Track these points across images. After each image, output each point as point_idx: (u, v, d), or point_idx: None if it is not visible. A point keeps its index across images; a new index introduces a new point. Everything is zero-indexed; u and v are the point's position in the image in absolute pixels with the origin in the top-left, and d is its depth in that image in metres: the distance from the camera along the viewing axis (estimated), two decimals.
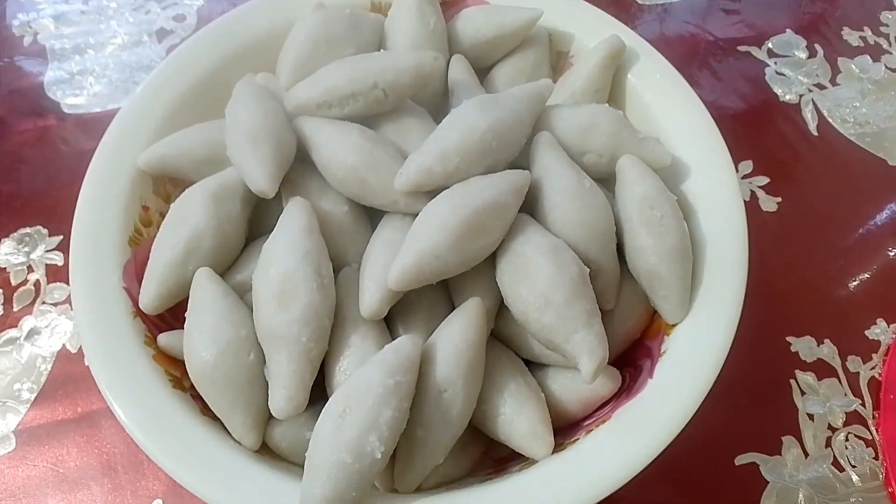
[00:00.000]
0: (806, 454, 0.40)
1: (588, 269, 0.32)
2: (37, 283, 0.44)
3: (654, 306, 0.35)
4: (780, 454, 0.40)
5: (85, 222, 0.35)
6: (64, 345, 0.42)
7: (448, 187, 0.32)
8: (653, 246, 0.33)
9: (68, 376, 0.41)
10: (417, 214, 0.33)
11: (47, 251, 0.45)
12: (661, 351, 0.33)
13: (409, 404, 0.29)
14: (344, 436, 0.27)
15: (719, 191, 0.36)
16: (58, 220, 0.46)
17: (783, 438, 0.41)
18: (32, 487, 0.38)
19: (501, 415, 0.32)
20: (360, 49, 0.38)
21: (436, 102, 0.40)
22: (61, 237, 0.46)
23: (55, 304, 0.44)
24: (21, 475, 0.38)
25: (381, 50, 0.40)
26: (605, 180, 0.37)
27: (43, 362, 0.42)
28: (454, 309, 0.34)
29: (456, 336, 0.31)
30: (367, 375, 0.28)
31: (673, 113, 0.39)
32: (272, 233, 0.33)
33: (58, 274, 0.45)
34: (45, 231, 0.46)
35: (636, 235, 0.34)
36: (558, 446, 0.31)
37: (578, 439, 0.32)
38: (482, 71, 0.42)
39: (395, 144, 0.35)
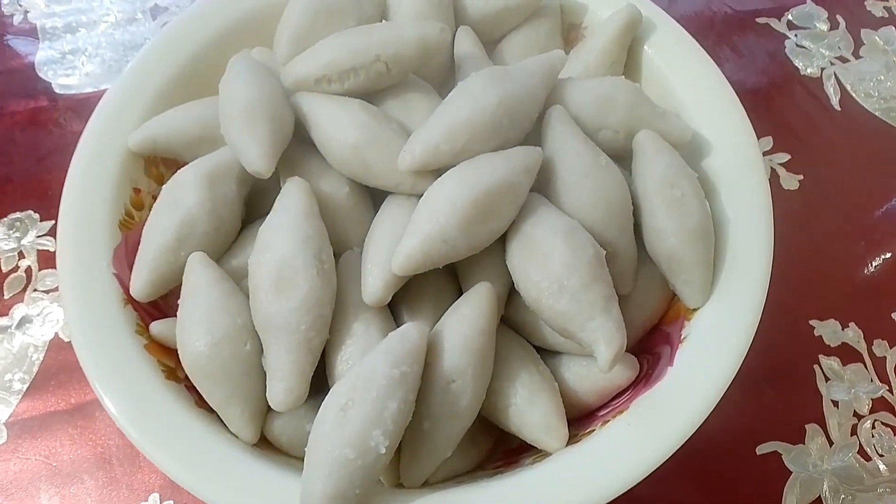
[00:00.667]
0: (831, 443, 0.39)
1: (605, 252, 0.30)
2: (28, 270, 0.43)
3: (673, 290, 0.33)
4: (804, 443, 0.39)
5: (72, 206, 0.33)
6: (56, 333, 0.41)
7: (455, 166, 0.30)
8: (673, 227, 0.31)
9: (61, 366, 0.40)
10: (422, 195, 0.32)
11: (38, 236, 0.44)
12: (682, 337, 0.32)
13: (415, 396, 0.27)
14: (346, 430, 0.25)
15: (742, 167, 0.34)
16: (49, 204, 0.45)
17: (807, 427, 0.39)
18: (24, 481, 0.37)
19: (513, 405, 0.30)
20: (362, 21, 0.36)
21: (441, 77, 0.38)
22: (53, 222, 0.44)
23: (47, 292, 0.42)
24: (13, 469, 0.37)
25: (384, 21, 0.38)
26: (622, 157, 0.35)
27: (35, 351, 0.40)
28: (462, 294, 0.32)
29: (465, 323, 0.29)
30: (371, 366, 0.27)
31: (693, 86, 0.37)
32: (269, 215, 0.31)
33: (50, 260, 0.43)
34: (36, 216, 0.44)
35: (655, 216, 0.32)
36: (572, 438, 0.30)
37: (594, 431, 0.30)
38: (490, 43, 0.40)
39: (398, 121, 0.33)
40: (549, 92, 0.34)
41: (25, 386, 0.39)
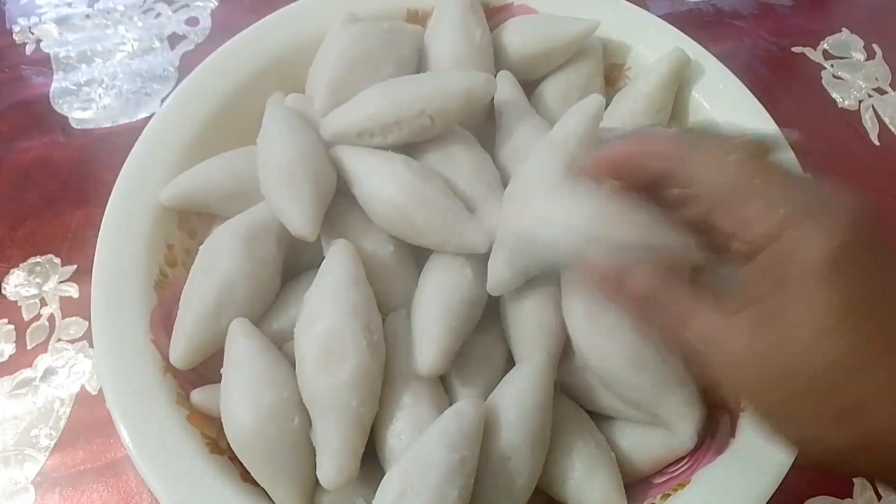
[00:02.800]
0: (879, 497, 0.38)
1: None
2: (51, 318, 0.41)
3: None
4: (852, 497, 0.38)
5: (106, 270, 0.32)
6: (83, 385, 0.40)
7: None
8: None
9: (89, 420, 0.39)
10: (468, 254, 0.31)
11: (60, 282, 0.42)
12: (742, 406, 0.31)
13: (474, 479, 0.26)
14: None
15: None
16: (70, 247, 0.43)
17: (855, 480, 0.38)
18: None
19: (570, 479, 0.29)
20: (399, 66, 0.35)
21: (481, 123, 0.36)
22: (75, 266, 0.42)
23: (72, 341, 0.41)
24: None
25: (421, 66, 0.37)
26: None
27: (61, 405, 0.39)
28: (510, 354, 0.32)
29: (521, 398, 0.28)
30: (428, 449, 0.26)
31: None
32: (315, 281, 0.30)
33: (73, 307, 0.42)
34: (57, 260, 0.43)
35: None
36: None
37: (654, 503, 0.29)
38: (530, 84, 0.39)
39: (442, 177, 0.32)
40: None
41: (53, 442, 0.38)
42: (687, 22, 0.52)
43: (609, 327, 0.28)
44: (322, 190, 0.31)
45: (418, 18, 0.39)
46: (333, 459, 0.27)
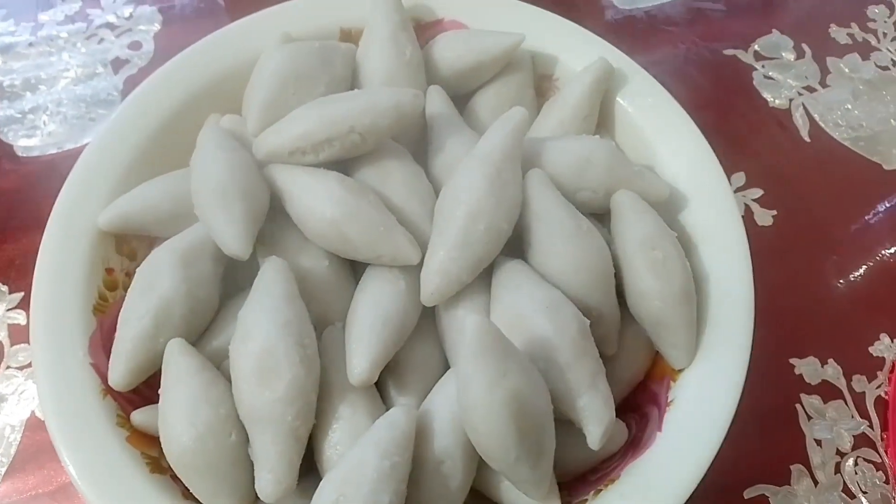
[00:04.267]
0: (816, 483, 0.39)
1: (588, 321, 0.30)
2: None
3: (658, 350, 0.33)
4: (790, 484, 0.39)
5: (44, 294, 0.32)
6: (33, 411, 0.40)
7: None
8: (657, 290, 0.31)
9: (40, 446, 0.39)
10: (401, 266, 0.31)
11: (8, 310, 0.42)
12: (669, 400, 0.32)
13: (406, 484, 0.27)
14: None
15: (720, 221, 0.34)
16: (17, 274, 0.43)
17: (792, 467, 0.39)
18: None
19: (504, 480, 0.30)
20: (333, 84, 0.36)
21: (414, 137, 0.37)
22: (23, 294, 0.43)
23: (20, 368, 0.41)
24: None
25: (355, 83, 0.38)
26: (600, 215, 0.35)
27: (12, 432, 0.39)
28: (447, 364, 0.32)
29: (452, 400, 0.29)
30: (361, 457, 0.27)
31: (666, 137, 0.37)
32: (248, 299, 0.30)
33: (22, 334, 0.42)
34: (4, 288, 0.43)
35: (638, 279, 0.32)
36: None
37: (587, 501, 0.30)
38: (462, 97, 0.40)
39: (375, 191, 0.33)
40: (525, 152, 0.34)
41: (4, 469, 0.38)
42: (622, 30, 0.54)
43: (523, 336, 0.29)
44: (255, 209, 0.31)
45: (351, 37, 0.40)
46: (271, 473, 0.28)
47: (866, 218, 0.48)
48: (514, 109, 0.33)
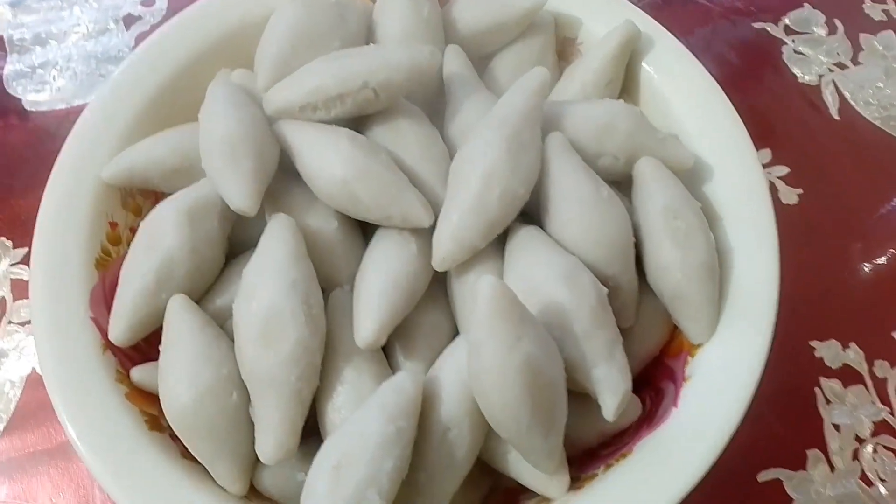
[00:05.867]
0: (832, 468, 0.38)
1: (606, 290, 0.29)
2: (2, 301, 0.41)
3: (677, 324, 0.32)
4: (806, 469, 0.38)
5: (45, 246, 0.31)
6: (34, 368, 0.39)
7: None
8: (678, 262, 0.30)
9: (40, 403, 0.38)
10: (413, 229, 0.30)
11: (12, 265, 0.42)
12: (686, 375, 0.31)
13: (411, 450, 0.26)
14: (341, 491, 0.25)
15: (746, 194, 0.33)
16: (22, 230, 0.43)
17: (808, 452, 0.38)
18: None
19: (512, 451, 0.29)
20: (347, 42, 0.35)
21: (431, 98, 0.36)
22: (27, 249, 0.42)
23: (23, 324, 0.40)
24: None
25: (370, 42, 0.36)
26: (622, 183, 0.34)
27: (11, 388, 0.39)
28: (456, 331, 0.31)
29: (462, 369, 0.28)
30: (365, 421, 0.26)
31: (693, 107, 0.36)
32: (253, 256, 0.29)
33: (25, 290, 0.41)
34: (8, 243, 0.42)
35: (659, 250, 0.31)
36: (574, 481, 0.29)
37: (597, 475, 0.29)
38: (482, 59, 0.38)
39: (387, 151, 0.32)
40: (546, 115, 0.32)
41: (3, 425, 0.38)
42: (654, 4, 0.52)
43: (540, 304, 0.28)
44: (263, 165, 0.30)
45: None
46: (272, 435, 0.27)
47: (894, 202, 0.46)
48: (535, 70, 0.32)
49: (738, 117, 0.34)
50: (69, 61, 0.48)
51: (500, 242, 0.31)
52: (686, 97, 0.36)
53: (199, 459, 0.29)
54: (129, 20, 0.50)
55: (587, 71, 0.36)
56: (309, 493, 0.25)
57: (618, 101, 0.33)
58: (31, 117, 0.47)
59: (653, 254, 0.31)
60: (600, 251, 0.30)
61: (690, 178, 0.33)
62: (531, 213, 0.32)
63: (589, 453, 0.32)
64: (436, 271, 0.31)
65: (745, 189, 0.33)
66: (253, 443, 0.28)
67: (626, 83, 0.37)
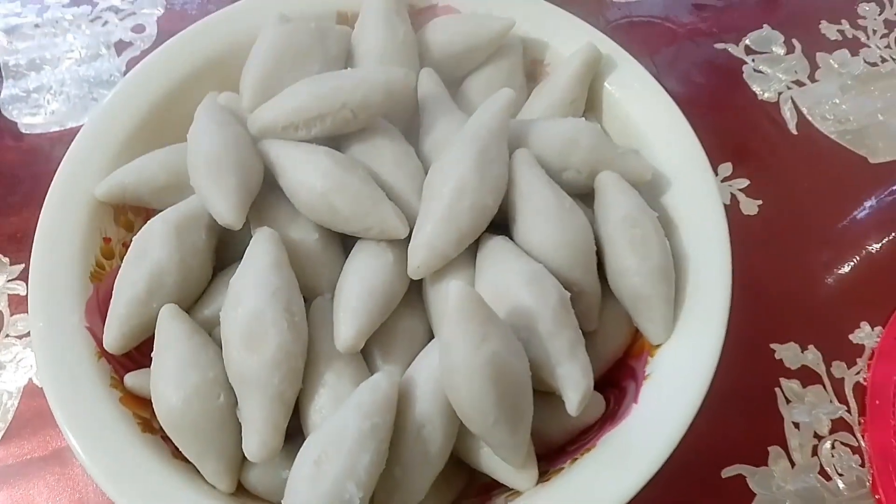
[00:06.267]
0: (793, 464, 0.40)
1: (569, 294, 0.31)
2: (0, 315, 0.43)
3: (637, 326, 0.34)
4: (767, 465, 0.40)
5: (42, 260, 0.33)
6: (31, 379, 0.41)
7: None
8: (636, 266, 0.32)
9: (36, 412, 0.40)
10: (390, 240, 0.32)
11: (9, 280, 0.44)
12: (646, 374, 0.33)
13: (388, 445, 0.28)
14: (321, 484, 0.26)
15: (700, 204, 0.35)
16: (18, 247, 0.44)
17: (769, 449, 0.40)
18: None
19: (484, 447, 0.31)
20: (327, 64, 0.37)
21: (406, 117, 0.38)
22: (23, 265, 0.44)
23: (19, 337, 0.42)
24: None
25: (349, 64, 0.39)
26: (585, 195, 0.36)
27: (9, 398, 0.40)
28: (432, 336, 0.33)
29: (435, 368, 0.30)
30: (343, 418, 0.27)
31: (652, 122, 0.38)
32: (238, 267, 0.31)
33: (21, 304, 0.43)
34: (5, 260, 0.44)
35: (618, 256, 0.33)
36: (542, 475, 0.31)
37: (564, 469, 0.31)
38: (454, 81, 0.41)
39: (365, 167, 0.34)
40: (513, 133, 0.35)
41: (0, 434, 0.39)
42: (617, 22, 0.55)
43: (505, 307, 0.30)
44: (248, 181, 0.32)
45: (348, 20, 0.41)
46: (257, 434, 0.29)
47: (855, 213, 0.49)
48: (502, 90, 0.34)
49: (693, 132, 0.37)
50: (63, 85, 0.50)
51: (471, 252, 0.33)
52: (645, 114, 0.38)
53: (189, 458, 0.30)
54: (121, 46, 0.52)
55: (552, 91, 0.38)
56: (291, 487, 0.27)
57: (580, 119, 0.36)
58: (27, 139, 0.48)
59: (613, 259, 0.33)
60: (563, 257, 0.32)
61: (649, 189, 0.36)
62: (501, 226, 0.34)
63: (557, 450, 0.33)
64: (412, 280, 0.32)
65: (699, 199, 0.35)
66: (240, 442, 0.29)
67: (589, 102, 0.40)
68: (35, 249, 0.33)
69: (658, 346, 0.33)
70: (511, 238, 0.33)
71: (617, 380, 0.35)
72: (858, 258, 0.46)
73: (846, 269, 0.46)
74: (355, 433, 0.27)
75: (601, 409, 0.33)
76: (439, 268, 0.32)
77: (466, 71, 0.41)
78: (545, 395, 0.33)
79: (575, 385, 0.29)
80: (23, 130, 0.49)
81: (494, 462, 0.30)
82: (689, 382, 0.31)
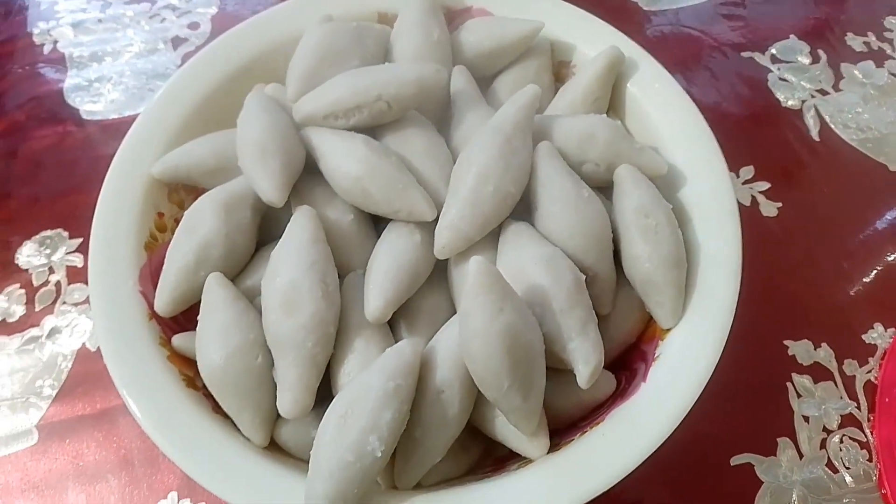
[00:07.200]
0: (801, 455, 0.41)
1: (584, 277, 0.33)
2: (58, 284, 0.46)
3: (649, 312, 0.36)
4: (775, 455, 0.41)
5: (102, 229, 0.36)
6: (84, 343, 0.44)
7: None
8: (648, 253, 0.34)
9: (87, 374, 0.43)
10: (418, 222, 0.35)
11: (67, 253, 0.47)
12: (655, 355, 0.34)
13: (409, 406, 0.30)
14: (346, 436, 0.28)
15: (714, 198, 0.37)
16: (77, 223, 0.48)
17: (778, 440, 0.41)
18: (53, 480, 0.40)
19: (499, 416, 0.33)
20: (365, 60, 0.40)
21: (439, 111, 0.41)
22: (81, 239, 0.47)
23: (75, 305, 0.45)
24: (43, 468, 0.40)
25: (387, 61, 0.41)
26: (605, 188, 0.38)
27: (64, 360, 0.44)
28: (454, 313, 0.35)
29: (455, 340, 0.32)
30: (369, 379, 0.30)
31: (671, 122, 0.40)
32: (280, 241, 0.34)
33: (78, 275, 0.46)
34: (65, 234, 0.48)
35: (632, 243, 0.35)
36: (554, 447, 0.33)
37: (573, 440, 0.33)
38: (486, 79, 0.43)
39: (398, 154, 0.36)
40: (538, 127, 0.37)
41: (55, 392, 0.43)
42: (646, 28, 0.57)
43: (523, 285, 0.32)
44: (291, 164, 0.35)
45: (388, 21, 0.44)
46: (290, 392, 0.31)
47: (873, 218, 0.50)
48: (528, 87, 0.36)
49: (710, 130, 0.38)
50: (122, 76, 0.54)
51: (494, 237, 0.35)
52: (665, 113, 0.40)
53: (227, 413, 0.33)
54: (177, 41, 0.56)
55: (576, 89, 0.40)
56: (319, 438, 0.29)
57: (600, 115, 0.38)
58: (87, 125, 0.52)
59: (627, 246, 0.35)
60: (579, 242, 0.34)
61: (666, 184, 0.38)
62: (525, 217, 0.36)
63: (570, 426, 0.35)
64: (438, 261, 0.35)
65: (713, 194, 0.37)
66: (275, 400, 0.32)
67: (613, 101, 0.42)
68: (96, 220, 0.36)
69: (668, 330, 0.35)
70: (532, 225, 0.35)
71: (629, 363, 0.37)
72: (875, 261, 0.48)
73: (862, 270, 0.47)
74: (379, 392, 0.29)
75: (612, 386, 0.34)
76: (463, 249, 0.34)
77: (497, 70, 0.43)
78: (559, 372, 0.35)
79: (585, 359, 0.31)
80: (84, 117, 0.53)
81: (508, 431, 0.32)
82: (696, 363, 0.33)
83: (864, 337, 0.45)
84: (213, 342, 0.32)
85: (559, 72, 0.44)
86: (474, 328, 0.29)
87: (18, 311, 0.45)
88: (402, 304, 0.34)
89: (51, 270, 0.47)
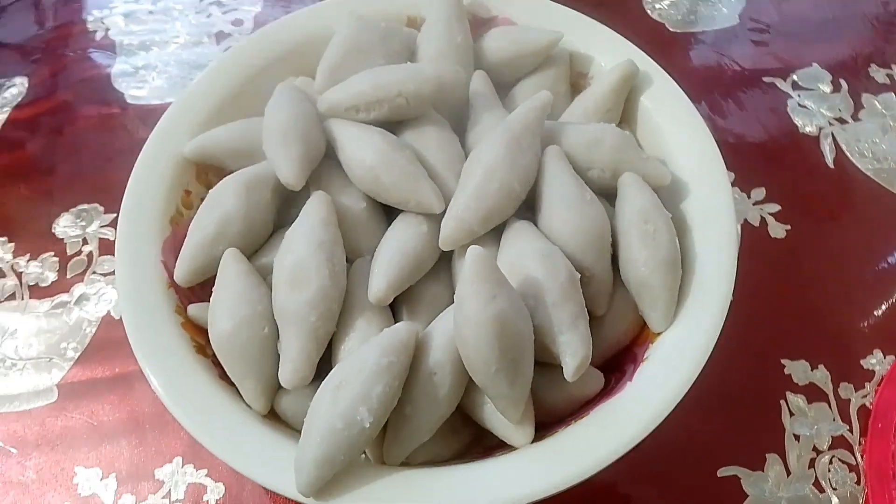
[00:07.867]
0: (788, 472, 0.41)
1: (580, 275, 0.34)
2: (90, 255, 0.49)
3: (641, 315, 0.37)
4: (763, 470, 0.41)
5: (132, 201, 0.39)
6: (109, 311, 0.47)
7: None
8: (645, 257, 0.35)
9: (109, 340, 0.46)
10: (427, 214, 0.36)
11: (101, 226, 0.50)
12: (645, 357, 0.36)
13: (401, 383, 0.31)
14: (337, 405, 0.30)
15: (714, 211, 0.38)
16: (113, 199, 0.50)
17: (767, 455, 0.42)
18: (69, 437, 0.42)
19: (487, 403, 0.34)
20: (389, 59, 0.42)
21: (457, 112, 0.42)
22: (114, 214, 0.50)
23: (104, 275, 0.48)
24: (59, 424, 0.43)
25: (411, 61, 0.43)
26: (610, 195, 0.39)
27: (88, 325, 0.46)
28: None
29: (450, 326, 0.33)
30: (365, 354, 0.31)
31: (680, 136, 0.41)
32: (294, 222, 0.36)
33: (109, 247, 0.49)
34: (101, 208, 0.51)
35: (630, 247, 0.36)
36: (539, 438, 0.33)
37: (557, 432, 0.34)
38: (506, 86, 0.45)
39: (412, 148, 0.38)
40: (548, 132, 0.38)
41: (77, 354, 0.45)
42: (670, 48, 0.58)
43: (519, 278, 0.33)
44: (311, 151, 0.37)
45: (416, 24, 0.46)
46: (291, 363, 0.33)
47: (881, 245, 0.50)
48: (541, 93, 0.38)
49: (715, 145, 0.39)
50: (167, 66, 0.57)
51: (497, 234, 0.37)
52: (674, 127, 0.41)
53: (232, 379, 0.34)
54: (221, 36, 0.59)
55: (590, 99, 0.42)
56: (314, 406, 0.31)
57: (608, 124, 0.39)
58: (131, 109, 0.55)
59: (624, 249, 0.36)
60: (578, 242, 0.35)
61: (669, 194, 0.39)
62: (528, 212, 0.37)
63: (558, 420, 0.36)
64: (444, 254, 0.36)
65: (713, 206, 0.38)
66: (277, 372, 0.34)
67: (626, 113, 0.43)
68: (127, 192, 0.39)
69: (659, 333, 0.36)
70: (535, 224, 0.37)
71: (620, 364, 0.38)
72: (878, 287, 0.48)
73: (867, 298, 0.48)
74: (373, 366, 0.31)
75: (600, 383, 0.36)
76: (466, 241, 0.35)
77: (516, 77, 0.45)
78: (548, 366, 0.36)
79: (573, 352, 0.32)
80: (128, 101, 0.56)
81: (496, 418, 0.34)
82: (682, 364, 0.33)
83: (862, 362, 0.45)
84: (224, 311, 0.34)
85: (576, 82, 0.46)
86: (467, 313, 0.30)
87: (51, 276, 0.48)
88: (404, 291, 0.35)
89: (84, 241, 0.50)
